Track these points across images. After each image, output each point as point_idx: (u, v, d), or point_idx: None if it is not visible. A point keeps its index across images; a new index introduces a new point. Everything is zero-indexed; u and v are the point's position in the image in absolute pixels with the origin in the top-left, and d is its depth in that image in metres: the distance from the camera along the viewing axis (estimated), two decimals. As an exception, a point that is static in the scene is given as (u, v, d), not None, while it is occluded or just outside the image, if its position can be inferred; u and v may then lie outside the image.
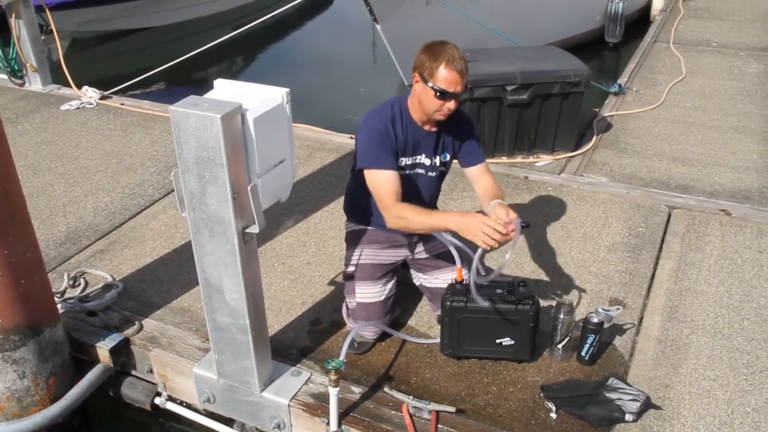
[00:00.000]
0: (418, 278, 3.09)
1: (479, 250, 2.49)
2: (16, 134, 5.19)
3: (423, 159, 2.79)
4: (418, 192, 2.84)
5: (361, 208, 2.93)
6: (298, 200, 4.20)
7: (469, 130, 2.86)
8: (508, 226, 2.43)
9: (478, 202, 2.86)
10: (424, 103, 2.61)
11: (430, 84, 2.54)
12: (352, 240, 2.98)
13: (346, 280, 2.99)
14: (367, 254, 2.92)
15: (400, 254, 3.00)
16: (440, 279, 2.99)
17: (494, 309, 2.71)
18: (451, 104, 2.58)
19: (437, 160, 2.82)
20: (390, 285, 2.96)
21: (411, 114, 2.71)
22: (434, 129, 2.76)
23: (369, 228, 2.95)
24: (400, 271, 3.08)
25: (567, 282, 3.41)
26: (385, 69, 7.84)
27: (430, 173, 2.83)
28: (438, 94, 2.55)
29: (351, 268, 2.94)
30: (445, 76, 2.52)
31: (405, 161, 2.75)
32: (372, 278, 2.90)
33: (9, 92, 6.08)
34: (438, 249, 3.01)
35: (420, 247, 3.02)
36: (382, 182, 2.64)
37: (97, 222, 4.04)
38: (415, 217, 2.58)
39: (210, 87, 2.33)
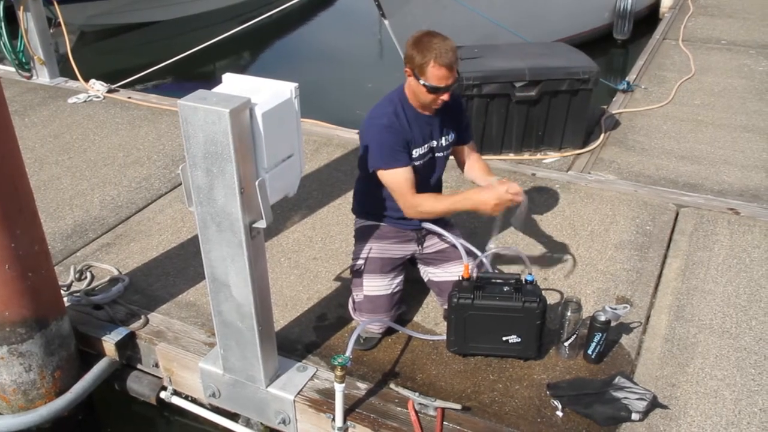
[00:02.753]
0: (426, 273, 3.08)
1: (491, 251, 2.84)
2: (23, 127, 5.20)
3: (434, 143, 2.85)
4: (432, 174, 2.92)
5: (371, 205, 2.94)
6: (305, 195, 4.19)
7: (461, 109, 2.98)
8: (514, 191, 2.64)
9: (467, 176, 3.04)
10: (419, 96, 2.68)
11: (421, 81, 2.60)
12: (362, 235, 2.98)
13: (354, 274, 2.98)
14: (376, 249, 2.93)
15: (409, 249, 3.00)
16: (448, 271, 2.99)
17: (501, 306, 2.71)
18: (444, 96, 2.64)
19: (443, 141, 2.88)
20: (398, 280, 2.96)
21: (411, 102, 2.75)
22: (435, 114, 2.82)
23: (379, 224, 2.95)
24: (407, 267, 3.07)
25: (574, 280, 3.40)
26: (392, 64, 7.80)
27: (438, 154, 2.89)
28: (429, 89, 2.60)
29: (360, 262, 2.94)
30: (434, 73, 2.57)
31: (419, 151, 2.79)
32: (381, 272, 2.91)
33: (16, 85, 6.08)
34: (446, 243, 3.00)
35: (428, 242, 3.02)
36: (400, 180, 2.69)
37: (103, 215, 4.04)
38: (435, 205, 2.74)
39: (217, 81, 2.32)
